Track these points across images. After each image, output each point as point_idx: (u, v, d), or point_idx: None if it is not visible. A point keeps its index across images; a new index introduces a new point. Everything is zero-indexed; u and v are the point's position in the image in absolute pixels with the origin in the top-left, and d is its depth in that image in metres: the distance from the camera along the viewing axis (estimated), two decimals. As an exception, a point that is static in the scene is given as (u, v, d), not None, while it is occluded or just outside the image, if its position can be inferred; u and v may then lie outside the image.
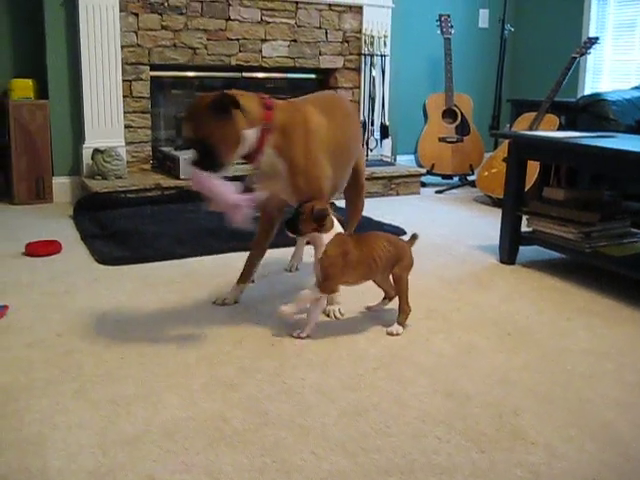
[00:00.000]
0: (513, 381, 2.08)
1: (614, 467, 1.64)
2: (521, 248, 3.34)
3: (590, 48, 4.80)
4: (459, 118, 5.47)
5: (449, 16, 5.52)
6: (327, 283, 2.34)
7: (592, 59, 5.65)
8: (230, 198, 2.25)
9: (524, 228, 3.33)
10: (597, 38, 4.82)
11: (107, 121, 4.60)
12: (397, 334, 2.40)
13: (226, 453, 1.66)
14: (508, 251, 3.30)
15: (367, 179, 4.91)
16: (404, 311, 2.45)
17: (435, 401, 1.95)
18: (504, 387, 2.04)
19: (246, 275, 2.74)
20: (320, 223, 2.30)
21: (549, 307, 2.75)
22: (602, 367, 2.20)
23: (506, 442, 1.74)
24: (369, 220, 4.02)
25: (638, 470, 1.64)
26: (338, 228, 2.36)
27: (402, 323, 2.44)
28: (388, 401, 1.94)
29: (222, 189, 2.25)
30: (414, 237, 2.55)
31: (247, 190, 2.35)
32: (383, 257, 2.39)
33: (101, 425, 1.78)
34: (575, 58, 4.76)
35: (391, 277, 2.47)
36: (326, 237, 2.32)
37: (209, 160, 2.25)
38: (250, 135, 2.29)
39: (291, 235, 2.38)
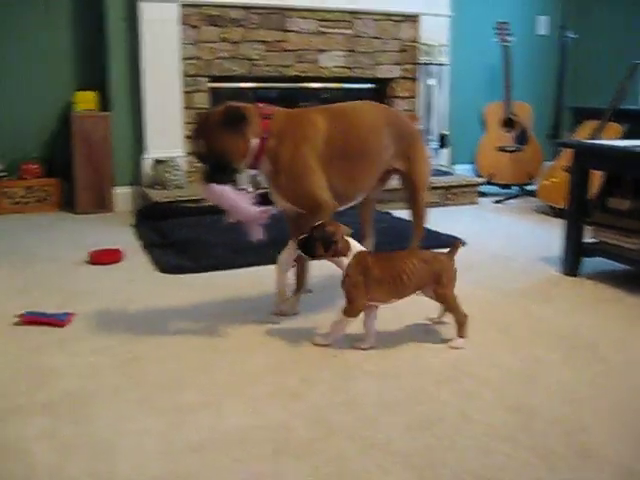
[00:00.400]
0: (580, 397, 2.03)
1: (690, 487, 1.59)
2: (588, 260, 3.27)
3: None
4: (518, 127, 5.41)
5: (507, 23, 5.46)
6: (352, 306, 2.31)
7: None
8: (245, 209, 2.38)
9: (586, 239, 3.27)
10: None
11: (167, 132, 4.67)
12: (461, 347, 2.37)
13: (291, 462, 1.66)
14: (571, 263, 3.23)
15: (424, 189, 4.89)
16: (461, 323, 2.42)
17: (501, 416, 1.91)
18: (571, 403, 1.99)
19: (299, 285, 2.77)
20: (327, 247, 2.27)
21: (614, 320, 2.68)
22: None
23: (575, 460, 1.70)
24: (426, 230, 3.98)
25: None
26: (357, 247, 2.32)
27: (463, 335, 2.41)
28: (453, 415, 1.91)
29: (238, 201, 2.38)
30: (455, 246, 2.47)
31: (263, 201, 2.46)
32: (413, 274, 2.30)
33: (167, 432, 1.80)
34: (637, 64, 4.65)
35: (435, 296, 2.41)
36: (346, 260, 2.30)
37: (223, 172, 2.36)
38: (254, 144, 2.39)
39: (308, 258, 2.40)
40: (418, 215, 2.96)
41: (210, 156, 2.33)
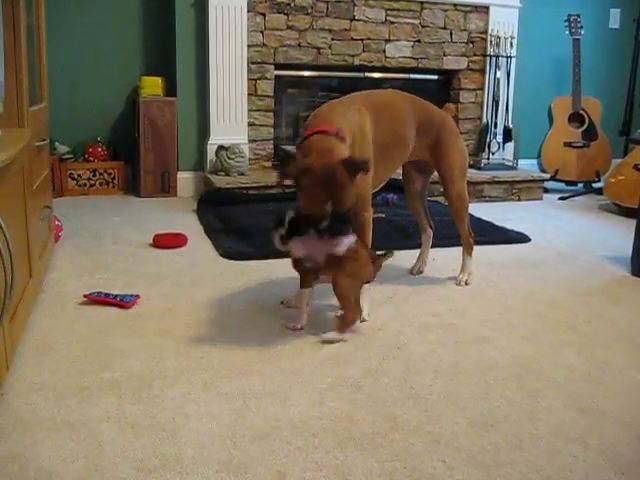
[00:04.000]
0: (652, 400, 1.98)
1: None
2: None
3: None
4: (586, 122, 5.28)
5: (579, 16, 5.33)
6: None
7: None
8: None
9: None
10: None
11: (231, 119, 4.70)
12: (330, 340, 2.33)
13: (355, 455, 1.65)
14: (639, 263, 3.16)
15: (488, 183, 4.83)
16: (344, 319, 2.35)
17: (568, 416, 1.87)
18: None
19: None
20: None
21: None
22: None
23: None
24: (491, 225, 3.93)
25: None
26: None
27: (340, 330, 2.35)
28: (519, 413, 1.88)
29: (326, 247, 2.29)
30: (387, 255, 2.51)
31: None
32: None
33: (231, 418, 1.80)
34: None
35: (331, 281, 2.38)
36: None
37: (346, 223, 2.22)
38: None
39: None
40: (452, 207, 2.94)
41: (330, 212, 2.18)
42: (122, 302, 2.59)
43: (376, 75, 5.14)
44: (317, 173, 2.13)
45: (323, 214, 2.17)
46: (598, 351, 2.32)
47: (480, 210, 4.34)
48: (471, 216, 4.06)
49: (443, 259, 3.33)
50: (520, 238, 3.70)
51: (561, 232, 4.04)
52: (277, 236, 2.36)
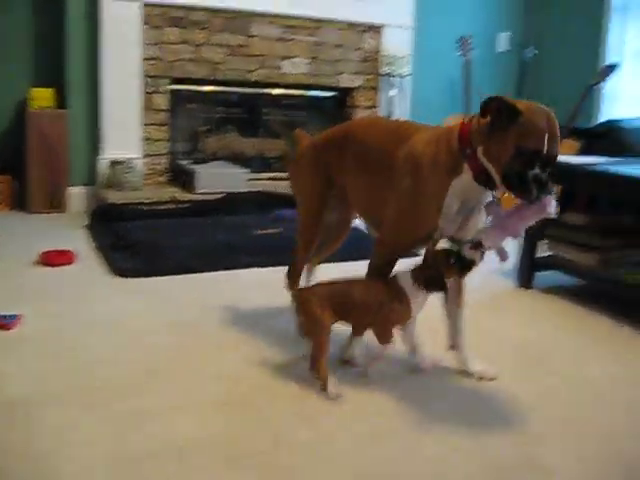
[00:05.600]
0: (532, 407, 2.04)
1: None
2: (541, 273, 3.31)
3: (608, 75, 4.78)
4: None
5: (469, 38, 5.52)
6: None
7: (610, 85, 5.62)
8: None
9: (542, 253, 3.31)
10: (615, 65, 4.81)
11: (125, 133, 4.61)
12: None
13: (242, 473, 1.63)
14: (525, 276, 3.27)
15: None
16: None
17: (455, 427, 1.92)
18: (525, 414, 2.00)
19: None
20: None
21: (567, 333, 2.71)
22: (629, 395, 2.17)
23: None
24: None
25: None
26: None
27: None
28: (410, 425, 1.91)
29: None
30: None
31: None
32: None
33: (113, 441, 1.75)
34: (593, 85, 4.74)
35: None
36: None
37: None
38: None
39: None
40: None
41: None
42: (3, 323, 2.48)
43: (273, 91, 5.17)
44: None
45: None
46: (485, 362, 2.38)
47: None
48: (361, 232, 4.13)
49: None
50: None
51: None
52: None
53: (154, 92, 4.67)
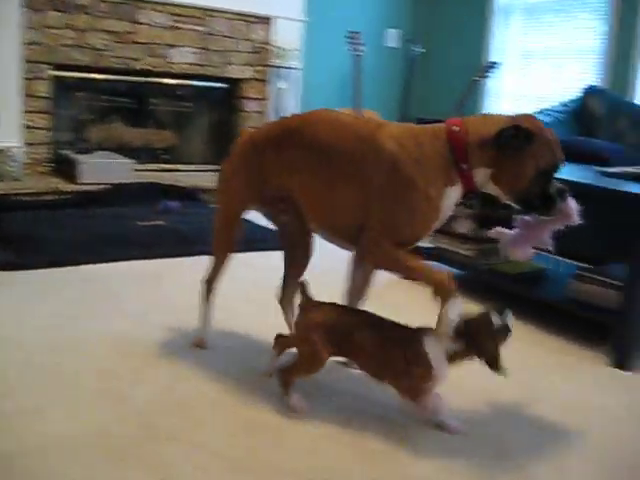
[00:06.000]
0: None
1: None
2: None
3: (490, 72, 4.96)
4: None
5: (359, 33, 5.59)
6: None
7: (493, 82, 5.84)
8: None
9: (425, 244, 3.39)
10: (496, 63, 5.00)
11: (3, 120, 4.41)
12: None
13: (117, 467, 1.60)
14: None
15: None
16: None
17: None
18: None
19: None
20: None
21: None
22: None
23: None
24: (270, 231, 3.99)
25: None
26: None
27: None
28: (282, 416, 1.92)
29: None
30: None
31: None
32: None
33: (-22, 439, 1.69)
34: (476, 81, 4.91)
35: None
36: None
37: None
38: None
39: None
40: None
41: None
42: None
43: (162, 81, 5.08)
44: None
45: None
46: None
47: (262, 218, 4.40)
48: (248, 222, 4.13)
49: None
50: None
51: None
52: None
53: (35, 78, 4.49)
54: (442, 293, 1.85)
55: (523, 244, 1.99)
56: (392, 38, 6.36)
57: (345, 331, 1.90)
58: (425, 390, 1.83)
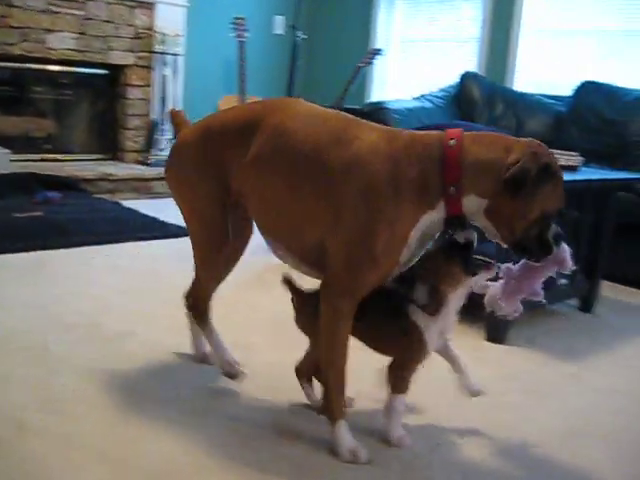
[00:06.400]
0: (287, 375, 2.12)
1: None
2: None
3: (374, 59, 5.03)
4: (251, 121, 5.51)
5: (244, 19, 5.55)
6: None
7: (378, 69, 5.94)
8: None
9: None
10: (380, 50, 5.07)
11: None
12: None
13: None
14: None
15: (157, 179, 4.84)
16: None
17: (199, 395, 1.94)
18: (273, 379, 2.07)
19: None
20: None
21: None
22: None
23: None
24: (155, 221, 3.94)
25: None
26: None
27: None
28: (158, 402, 1.90)
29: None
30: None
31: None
32: None
33: None
34: (360, 67, 4.97)
35: None
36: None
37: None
38: None
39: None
40: None
41: None
42: None
43: (41, 67, 4.89)
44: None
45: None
46: (242, 336, 2.43)
47: (147, 207, 4.34)
48: (136, 212, 4.08)
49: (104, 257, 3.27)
50: (181, 232, 3.75)
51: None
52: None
53: None
54: (328, 415, 1.74)
55: (512, 297, 1.75)
56: (279, 25, 6.35)
57: None
58: (415, 364, 1.76)
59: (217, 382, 2.07)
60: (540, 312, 2.88)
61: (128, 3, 5.04)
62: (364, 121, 1.74)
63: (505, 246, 1.66)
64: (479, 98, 4.76)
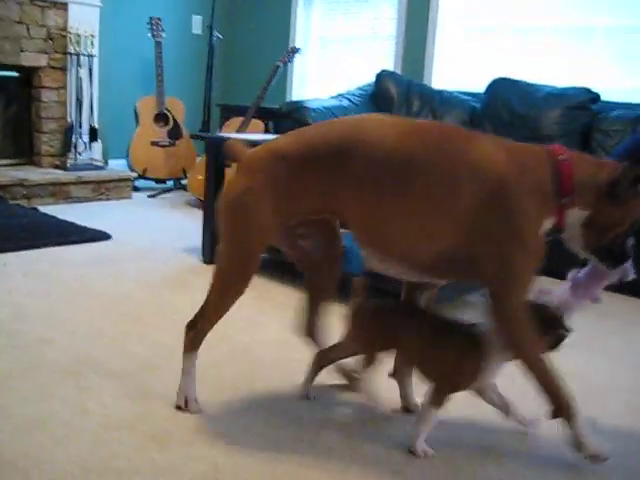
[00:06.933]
0: (204, 376, 2.10)
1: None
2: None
3: (292, 57, 5.06)
4: (171, 122, 5.46)
5: (160, 19, 5.49)
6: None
7: (298, 68, 5.96)
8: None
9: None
10: (298, 48, 5.10)
11: None
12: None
13: None
14: (210, 251, 3.36)
15: (74, 183, 4.75)
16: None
17: (121, 406, 1.91)
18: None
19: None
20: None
21: (248, 303, 2.82)
22: (291, 356, 2.32)
23: (187, 437, 1.76)
24: (72, 225, 3.86)
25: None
26: None
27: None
28: (70, 410, 1.86)
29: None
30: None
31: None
32: None
33: None
34: (279, 66, 4.99)
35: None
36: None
37: None
38: None
39: None
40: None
41: None
42: None
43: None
44: None
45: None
46: (159, 337, 2.41)
47: (66, 212, 4.26)
48: (54, 218, 3.98)
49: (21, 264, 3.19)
50: (100, 236, 3.69)
51: (144, 229, 4.13)
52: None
53: None
54: (561, 415, 1.74)
55: (582, 301, 1.92)
56: (196, 25, 6.29)
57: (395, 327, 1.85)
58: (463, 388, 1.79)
59: (141, 390, 2.05)
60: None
61: (40, 3, 4.91)
62: (462, 130, 1.77)
63: (583, 254, 1.78)
64: (396, 95, 4.83)
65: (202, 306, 1.94)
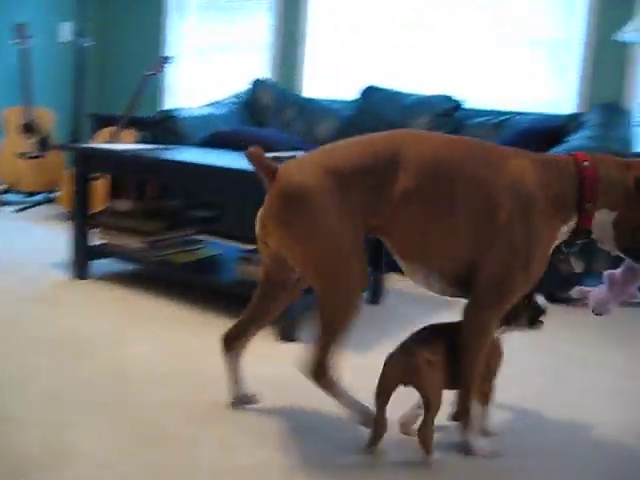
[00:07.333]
0: (61, 396, 2.03)
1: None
2: (97, 262, 3.36)
3: (164, 67, 4.99)
4: (39, 133, 5.26)
5: (25, 25, 5.28)
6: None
7: (171, 77, 5.89)
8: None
9: (95, 242, 3.33)
10: (170, 57, 5.03)
11: None
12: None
13: None
14: (79, 266, 3.26)
15: None
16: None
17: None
18: (53, 404, 1.98)
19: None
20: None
21: (117, 318, 2.77)
22: (158, 370, 2.28)
23: (51, 460, 1.70)
24: None
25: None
26: None
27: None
28: None
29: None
30: None
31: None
32: None
33: None
34: (148, 76, 4.91)
35: None
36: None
37: None
38: None
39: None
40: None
41: None
42: None
43: None
44: None
45: None
46: (25, 357, 2.31)
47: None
48: None
49: None
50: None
51: (11, 244, 3.96)
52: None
53: None
54: (462, 417, 1.82)
55: (618, 300, 1.96)
56: (65, 32, 6.11)
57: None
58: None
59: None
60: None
61: None
62: (494, 144, 1.82)
63: (615, 252, 1.83)
64: (270, 104, 4.86)
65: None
